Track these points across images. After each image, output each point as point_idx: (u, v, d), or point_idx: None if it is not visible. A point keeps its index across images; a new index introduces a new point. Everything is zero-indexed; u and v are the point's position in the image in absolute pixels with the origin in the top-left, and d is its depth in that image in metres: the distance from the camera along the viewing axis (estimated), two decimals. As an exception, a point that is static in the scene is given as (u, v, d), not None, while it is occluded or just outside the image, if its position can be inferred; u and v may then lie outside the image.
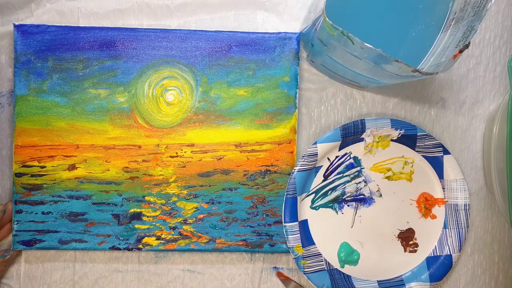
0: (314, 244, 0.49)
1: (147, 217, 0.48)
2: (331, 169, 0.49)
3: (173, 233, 0.49)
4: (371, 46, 0.34)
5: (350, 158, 0.50)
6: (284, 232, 0.48)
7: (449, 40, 0.41)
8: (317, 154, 0.48)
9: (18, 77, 0.47)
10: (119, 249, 0.48)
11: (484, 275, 0.52)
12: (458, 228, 0.50)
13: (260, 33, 0.48)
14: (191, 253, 0.50)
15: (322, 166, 0.49)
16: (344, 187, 0.50)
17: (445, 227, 0.50)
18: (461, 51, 0.36)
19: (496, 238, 0.52)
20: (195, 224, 0.49)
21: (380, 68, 0.37)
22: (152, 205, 0.48)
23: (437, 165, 0.50)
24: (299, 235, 0.48)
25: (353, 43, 0.35)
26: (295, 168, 0.48)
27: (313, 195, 0.49)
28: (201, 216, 0.49)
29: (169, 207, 0.49)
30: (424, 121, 0.51)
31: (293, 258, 0.48)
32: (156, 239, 0.48)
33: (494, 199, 0.50)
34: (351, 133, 0.48)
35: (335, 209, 0.50)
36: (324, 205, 0.49)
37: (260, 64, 0.48)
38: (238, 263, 0.50)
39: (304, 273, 0.48)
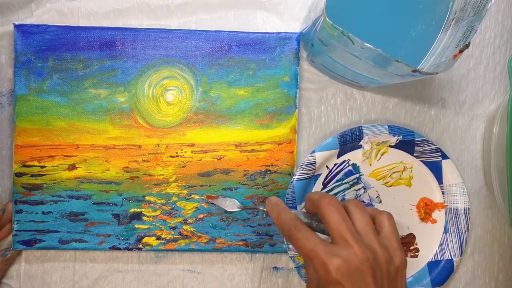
0: None
1: (147, 217, 0.48)
2: (330, 176, 0.49)
3: (173, 233, 0.49)
4: (371, 46, 0.34)
5: (348, 165, 0.49)
6: (285, 241, 0.47)
7: (449, 40, 0.41)
8: (315, 163, 0.47)
9: (18, 77, 0.47)
10: (119, 249, 0.48)
11: (484, 275, 0.52)
12: (459, 232, 0.49)
13: (260, 33, 0.48)
14: (191, 253, 0.50)
15: (321, 174, 0.49)
16: (344, 194, 0.49)
17: (445, 231, 0.50)
18: (461, 51, 0.36)
19: (496, 238, 0.52)
20: (195, 224, 0.49)
21: (380, 68, 0.37)
22: (152, 205, 0.48)
23: (436, 170, 0.49)
24: None
25: (353, 43, 0.35)
26: (293, 177, 0.47)
27: None
28: (201, 216, 0.49)
29: (169, 207, 0.49)
30: (424, 121, 0.51)
31: (295, 267, 0.47)
32: (156, 239, 0.48)
33: (494, 199, 0.50)
34: (349, 140, 0.48)
35: None
36: None
37: (260, 64, 0.48)
38: (238, 263, 0.50)
39: (306, 282, 0.47)
